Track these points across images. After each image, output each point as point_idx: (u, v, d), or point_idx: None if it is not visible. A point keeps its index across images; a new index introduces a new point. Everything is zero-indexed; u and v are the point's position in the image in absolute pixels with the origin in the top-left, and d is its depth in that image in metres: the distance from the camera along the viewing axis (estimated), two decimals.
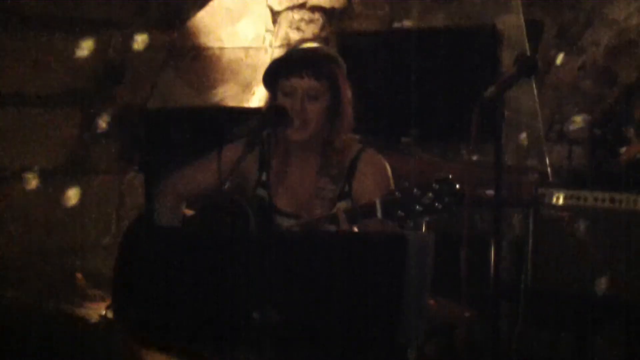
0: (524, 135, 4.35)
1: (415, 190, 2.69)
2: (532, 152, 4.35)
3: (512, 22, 4.55)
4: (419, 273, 2.56)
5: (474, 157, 4.02)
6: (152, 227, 3.14)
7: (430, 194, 2.69)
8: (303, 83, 3.02)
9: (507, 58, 4.24)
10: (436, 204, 2.69)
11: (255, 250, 2.64)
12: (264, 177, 3.14)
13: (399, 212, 2.72)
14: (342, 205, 3.02)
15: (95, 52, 4.40)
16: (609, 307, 3.88)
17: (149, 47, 4.52)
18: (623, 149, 4.90)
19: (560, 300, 3.91)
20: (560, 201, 3.97)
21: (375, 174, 3.07)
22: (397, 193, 2.76)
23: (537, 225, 3.94)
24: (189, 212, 3.28)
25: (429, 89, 4.30)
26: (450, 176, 2.68)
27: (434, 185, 2.70)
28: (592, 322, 3.89)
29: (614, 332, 3.92)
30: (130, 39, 4.46)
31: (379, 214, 2.76)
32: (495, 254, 2.89)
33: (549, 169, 4.22)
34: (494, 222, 2.90)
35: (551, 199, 3.98)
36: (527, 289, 3.85)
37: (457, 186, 2.68)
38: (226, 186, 2.88)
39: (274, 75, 3.11)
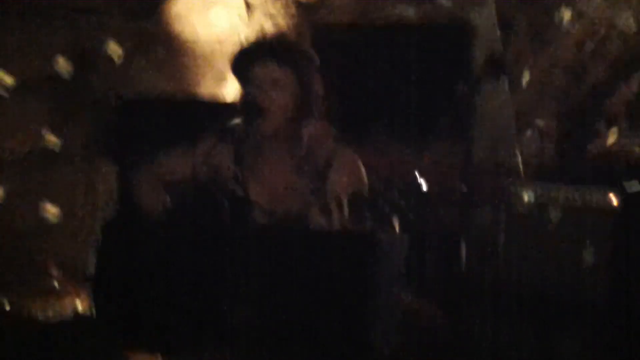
0: (494, 131, 4.38)
1: (382, 189, 2.72)
2: (503, 148, 4.38)
3: (485, 17, 4.57)
4: (391, 272, 2.59)
5: (445, 153, 4.05)
6: (131, 220, 3.14)
7: (396, 194, 2.71)
8: (267, 71, 3.04)
9: (480, 53, 4.27)
10: (402, 203, 2.72)
11: (229, 245, 2.66)
12: (237, 172, 3.15)
13: (366, 212, 2.75)
14: (315, 201, 3.04)
15: (69, 40, 4.39)
16: (577, 305, 3.93)
17: (122, 34, 4.50)
18: (592, 144, 4.95)
19: (527, 297, 3.95)
20: (531, 198, 4.01)
21: (349, 172, 3.09)
22: (364, 192, 2.78)
23: (507, 221, 3.98)
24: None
25: (401, 83, 4.32)
26: (417, 175, 2.70)
27: (400, 184, 2.73)
28: (559, 320, 3.93)
29: (582, 331, 3.97)
30: (104, 26, 4.45)
31: (346, 212, 2.78)
32: (465, 251, 2.93)
33: (520, 165, 4.26)
34: (463, 219, 2.94)
35: (522, 195, 4.01)
36: (497, 286, 3.89)
37: (424, 185, 2.71)
38: (202, 179, 2.89)
39: (241, 64, 3.13)
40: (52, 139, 4.44)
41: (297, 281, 2.60)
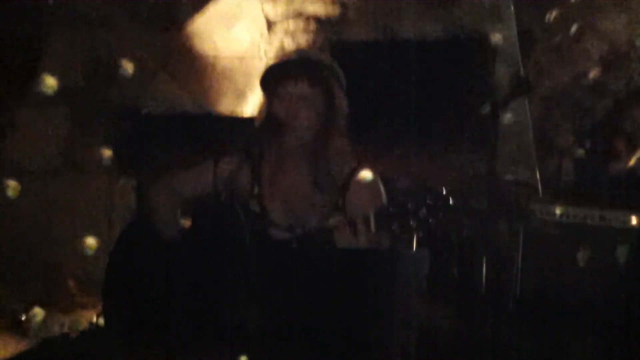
0: (515, 149, 4.37)
1: (409, 205, 2.71)
2: (523, 166, 4.37)
3: (506, 33, 4.57)
4: (411, 287, 2.59)
5: (468, 169, 4.04)
6: (145, 234, 3.14)
7: (424, 209, 2.70)
8: (297, 89, 3.04)
9: (500, 69, 4.27)
10: (430, 220, 2.71)
11: (249, 261, 2.66)
12: (256, 190, 3.15)
13: (393, 227, 2.74)
14: (336, 218, 3.03)
15: (88, 53, 4.41)
16: (594, 320, 3.90)
17: (143, 48, 4.52)
18: (614, 163, 4.93)
19: (547, 310, 3.93)
20: (553, 216, 3.99)
21: (368, 189, 3.09)
22: (391, 208, 2.77)
23: (526, 238, 3.96)
24: (186, 222, 3.28)
25: (422, 98, 4.32)
26: (444, 191, 2.69)
27: (428, 200, 2.71)
28: (577, 333, 3.91)
29: (598, 344, 3.95)
30: (123, 39, 4.47)
31: (372, 228, 2.77)
32: (485, 264, 2.92)
33: (539, 184, 4.25)
34: (484, 232, 2.93)
35: (542, 213, 4.00)
36: (514, 302, 3.88)
37: (451, 201, 2.70)
38: (222, 196, 2.90)
39: (270, 81, 3.13)
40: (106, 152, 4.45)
41: (316, 296, 2.60)
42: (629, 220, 3.88)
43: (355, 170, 3.11)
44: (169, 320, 2.75)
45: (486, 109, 2.82)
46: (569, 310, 3.93)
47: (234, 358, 2.68)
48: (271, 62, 4.88)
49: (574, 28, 5.54)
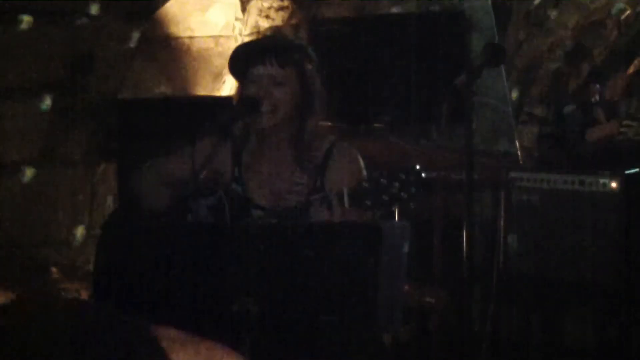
0: (493, 119, 4.39)
1: (382, 180, 2.71)
2: (502, 136, 4.39)
3: (481, 7, 4.58)
4: (394, 262, 2.59)
5: (445, 142, 4.06)
6: (131, 218, 3.14)
7: (397, 184, 2.70)
8: (267, 70, 3.04)
9: (476, 43, 4.28)
10: (402, 194, 2.71)
11: (232, 242, 2.66)
12: (237, 172, 3.15)
13: (366, 201, 2.74)
14: (316, 198, 3.04)
15: (66, 43, 4.39)
16: (577, 288, 3.94)
17: (119, 37, 4.51)
18: (591, 130, 4.96)
19: (530, 282, 3.96)
20: (530, 184, 4.02)
21: (347, 166, 3.09)
22: (364, 183, 2.78)
23: (508, 208, 3.99)
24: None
25: (399, 74, 4.33)
26: (417, 166, 2.70)
27: (400, 174, 2.72)
28: (561, 303, 3.95)
29: (583, 313, 3.98)
30: (100, 29, 4.45)
31: (346, 203, 2.78)
32: (467, 238, 2.93)
33: (519, 152, 4.27)
34: (465, 206, 2.95)
35: (521, 182, 4.02)
36: (499, 272, 3.90)
37: (424, 175, 2.71)
38: (201, 177, 2.89)
39: (241, 64, 3.12)
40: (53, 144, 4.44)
41: (299, 275, 2.60)
42: (609, 185, 3.91)
43: (333, 148, 3.12)
44: (156, 301, 2.75)
45: (460, 79, 2.83)
46: (554, 281, 3.96)
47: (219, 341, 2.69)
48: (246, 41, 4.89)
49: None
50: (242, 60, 3.11)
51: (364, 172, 3.06)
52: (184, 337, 1.94)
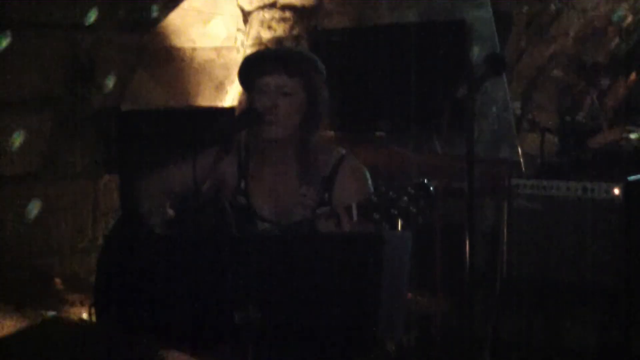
0: (495, 127, 4.39)
1: (391, 193, 2.72)
2: (504, 143, 4.39)
3: (481, 16, 4.59)
4: (397, 271, 2.59)
5: (447, 150, 4.06)
6: (133, 229, 3.15)
7: (405, 198, 2.71)
8: (275, 80, 3.03)
9: (477, 52, 4.29)
10: (411, 208, 2.72)
11: (237, 252, 2.67)
12: (242, 184, 3.14)
13: (375, 215, 2.75)
14: (322, 211, 3.04)
15: (66, 55, 4.40)
16: (580, 293, 3.94)
17: (120, 49, 4.51)
18: (594, 137, 4.96)
19: (533, 287, 3.96)
20: (532, 191, 4.02)
21: (354, 180, 3.08)
22: (373, 197, 2.79)
23: (510, 215, 3.99)
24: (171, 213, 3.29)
25: (400, 84, 4.33)
26: (425, 180, 2.71)
27: (409, 189, 2.73)
28: (563, 308, 3.95)
29: (585, 317, 3.98)
30: (100, 41, 4.46)
31: (354, 217, 2.79)
32: (470, 245, 2.93)
33: (521, 160, 4.27)
34: (467, 213, 2.95)
35: (524, 189, 4.02)
36: (501, 278, 3.90)
37: (432, 189, 2.72)
38: (204, 188, 2.90)
39: (249, 74, 3.12)
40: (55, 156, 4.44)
41: (303, 284, 2.61)
42: (612, 192, 3.91)
43: (340, 162, 3.11)
44: (158, 313, 2.75)
45: (462, 90, 2.84)
46: (556, 286, 3.96)
47: (220, 347, 2.69)
48: (248, 52, 4.90)
49: (552, 6, 5.56)
50: (251, 69, 3.11)
51: (371, 189, 3.06)
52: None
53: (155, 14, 4.61)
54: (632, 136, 4.73)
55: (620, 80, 5.58)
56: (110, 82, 4.53)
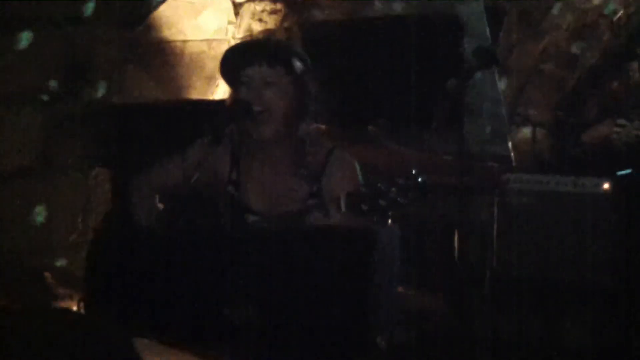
0: (486, 122, 4.39)
1: (379, 185, 2.72)
2: (496, 139, 4.39)
3: (474, 10, 4.58)
4: (387, 264, 2.60)
5: (439, 146, 4.05)
6: (123, 223, 3.14)
7: (394, 189, 2.71)
8: (257, 71, 3.03)
9: (469, 46, 4.27)
10: (399, 199, 2.72)
11: (227, 246, 2.67)
12: (234, 176, 3.14)
13: (363, 206, 2.75)
14: (311, 203, 3.04)
15: (59, 50, 4.39)
16: (575, 291, 3.94)
17: (112, 43, 4.51)
18: (587, 131, 4.96)
19: (527, 284, 3.96)
20: (524, 186, 4.02)
21: (344, 172, 3.09)
22: (362, 188, 2.78)
23: (501, 210, 3.99)
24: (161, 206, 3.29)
25: (392, 77, 4.32)
26: (414, 171, 2.70)
27: (398, 180, 2.72)
28: (559, 306, 3.95)
29: (581, 315, 3.98)
30: (93, 35, 4.45)
31: (342, 208, 2.78)
32: (461, 241, 2.94)
33: (512, 155, 4.27)
34: (458, 209, 2.95)
35: (515, 184, 4.02)
36: (493, 274, 3.90)
37: (421, 180, 2.71)
38: (193, 180, 2.89)
39: (231, 67, 3.12)
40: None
41: (295, 278, 2.61)
42: (601, 186, 3.91)
43: (330, 154, 3.11)
44: (149, 307, 2.75)
45: (452, 83, 2.84)
46: (547, 283, 3.96)
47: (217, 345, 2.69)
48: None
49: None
50: (232, 63, 3.11)
51: (360, 179, 3.06)
52: (163, 349, 1.94)
53: (147, 6, 4.61)
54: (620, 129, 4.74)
55: (613, 74, 5.57)
56: (103, 77, 4.53)
